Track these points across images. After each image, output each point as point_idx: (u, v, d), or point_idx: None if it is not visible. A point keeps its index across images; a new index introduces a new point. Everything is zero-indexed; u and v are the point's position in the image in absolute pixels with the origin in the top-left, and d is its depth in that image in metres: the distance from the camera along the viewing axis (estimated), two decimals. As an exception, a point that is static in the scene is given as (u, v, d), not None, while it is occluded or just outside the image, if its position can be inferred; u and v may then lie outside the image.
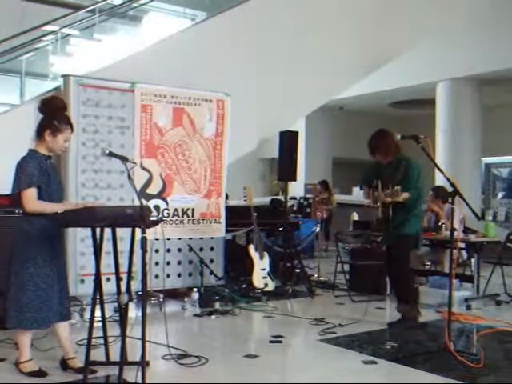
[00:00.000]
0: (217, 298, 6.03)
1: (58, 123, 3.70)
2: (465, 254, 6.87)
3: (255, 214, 6.83)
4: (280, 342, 4.71)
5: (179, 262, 6.08)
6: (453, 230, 4.39)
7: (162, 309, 5.69)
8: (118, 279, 3.82)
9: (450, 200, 4.38)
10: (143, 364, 3.32)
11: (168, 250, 5.82)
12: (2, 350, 4.23)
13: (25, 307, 3.64)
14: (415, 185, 5.14)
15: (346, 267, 7.20)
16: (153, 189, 5.86)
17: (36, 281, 3.64)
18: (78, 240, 5.33)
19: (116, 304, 4.38)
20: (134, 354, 3.64)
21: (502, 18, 10.32)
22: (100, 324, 3.90)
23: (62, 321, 3.81)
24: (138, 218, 3.43)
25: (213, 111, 6.22)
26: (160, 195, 5.91)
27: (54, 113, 3.72)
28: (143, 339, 3.33)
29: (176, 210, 6.00)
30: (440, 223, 6.83)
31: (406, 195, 5.02)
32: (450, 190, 4.31)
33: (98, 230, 3.70)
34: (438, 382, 3.74)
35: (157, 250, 5.48)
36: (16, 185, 3.65)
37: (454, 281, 4.95)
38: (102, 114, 5.54)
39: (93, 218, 3.48)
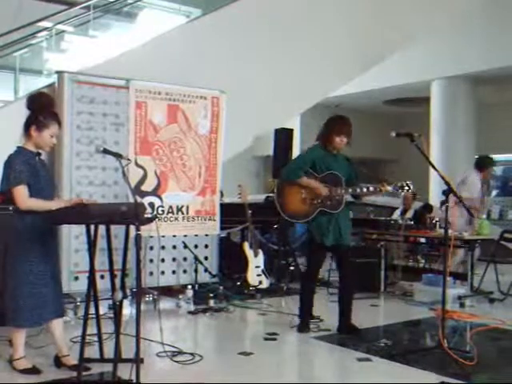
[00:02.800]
0: (211, 295, 6.04)
1: (44, 119, 3.69)
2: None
3: (250, 211, 6.84)
4: (274, 339, 4.72)
5: (174, 259, 6.08)
6: (447, 228, 4.40)
7: (157, 306, 5.69)
8: (113, 276, 3.82)
9: (446, 198, 4.37)
10: (137, 361, 3.32)
11: (162, 247, 5.82)
12: (-5, 347, 4.22)
13: (21, 305, 3.64)
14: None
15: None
16: (147, 186, 5.85)
17: (31, 278, 3.64)
18: (73, 237, 5.32)
19: (110, 301, 4.37)
20: (128, 352, 3.64)
21: (497, 17, 10.33)
22: (94, 321, 3.90)
23: (57, 318, 3.80)
24: (133, 215, 3.42)
25: (208, 108, 6.21)
26: (154, 192, 5.90)
27: (40, 109, 3.71)
28: (137, 336, 3.33)
29: (171, 207, 5.99)
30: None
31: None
32: (445, 187, 4.31)
33: (92, 227, 3.70)
34: (432, 379, 3.75)
35: (151, 247, 5.48)
36: (5, 182, 3.63)
37: (448, 278, 4.95)
38: (97, 111, 5.52)
39: (87, 215, 3.47)
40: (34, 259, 3.65)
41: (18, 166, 3.61)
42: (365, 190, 4.78)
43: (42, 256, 3.68)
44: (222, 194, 6.94)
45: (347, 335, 4.75)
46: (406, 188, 4.73)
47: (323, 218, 4.76)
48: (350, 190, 4.77)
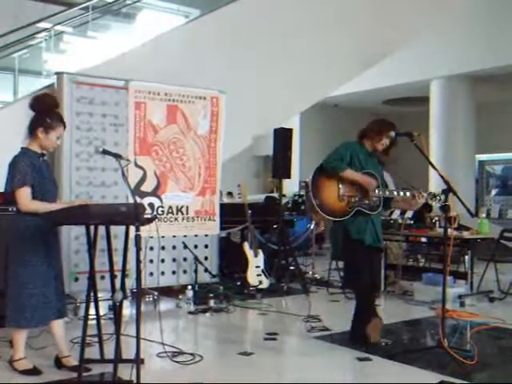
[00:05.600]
0: (211, 295, 6.04)
1: (51, 120, 3.69)
2: None
3: (249, 211, 6.84)
4: (274, 339, 4.71)
5: (174, 260, 6.08)
6: (446, 227, 4.40)
7: (157, 306, 5.69)
8: (113, 277, 3.82)
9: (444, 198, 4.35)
10: (138, 362, 3.32)
11: (162, 248, 5.83)
12: (-5, 348, 4.22)
13: (23, 306, 3.64)
14: None
15: (341, 264, 7.21)
16: (147, 186, 5.85)
17: (34, 279, 3.64)
18: (73, 238, 5.32)
19: (110, 302, 4.37)
20: (128, 352, 3.64)
21: (496, 16, 10.33)
22: (94, 322, 3.90)
23: (59, 318, 3.80)
24: (132, 216, 3.42)
25: (207, 108, 6.22)
26: (154, 193, 5.90)
27: (45, 110, 3.71)
28: (138, 337, 3.33)
29: (170, 207, 6.00)
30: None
31: None
32: (444, 187, 4.31)
33: (92, 227, 3.70)
34: (432, 379, 3.75)
35: (151, 248, 5.48)
36: (9, 183, 3.64)
37: (448, 278, 4.95)
38: (96, 112, 5.52)
39: (87, 215, 3.47)
40: (36, 260, 3.65)
41: (23, 167, 3.61)
42: (402, 194, 4.52)
43: (44, 257, 3.68)
44: (221, 194, 6.95)
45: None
46: (438, 198, 4.42)
47: (360, 217, 4.47)
48: (388, 193, 4.50)
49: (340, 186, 4.45)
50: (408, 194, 4.54)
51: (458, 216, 6.77)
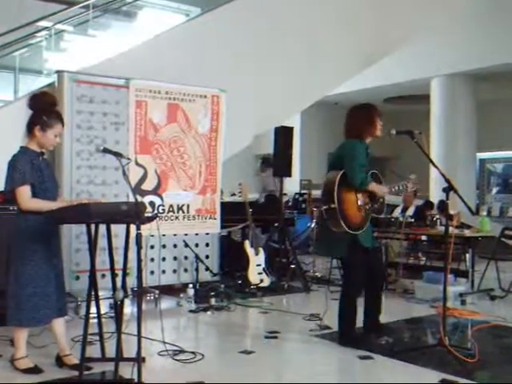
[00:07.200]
0: (212, 293, 6.04)
1: (48, 118, 3.68)
2: None
3: (250, 209, 6.84)
4: (275, 337, 4.72)
5: (174, 258, 6.09)
6: (447, 225, 4.39)
7: (158, 305, 5.69)
8: (114, 275, 3.82)
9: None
10: (139, 360, 3.32)
11: (163, 246, 5.83)
12: (-3, 346, 4.22)
13: (24, 305, 3.64)
14: None
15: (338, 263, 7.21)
16: (148, 185, 5.85)
17: (34, 278, 3.64)
18: (73, 236, 5.33)
19: (111, 300, 4.38)
20: (129, 351, 3.64)
21: (496, 14, 10.32)
22: (95, 320, 3.90)
23: (59, 317, 3.81)
24: (133, 215, 3.42)
25: (207, 107, 6.21)
26: (155, 191, 5.90)
27: (43, 108, 3.71)
28: (139, 335, 3.33)
29: (171, 206, 6.00)
30: None
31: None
32: (445, 185, 4.31)
33: (92, 226, 3.70)
34: (433, 377, 3.74)
35: (152, 246, 5.49)
36: (8, 183, 3.63)
37: (449, 276, 4.94)
38: (97, 110, 5.52)
39: (87, 214, 3.47)
40: (38, 259, 3.65)
41: (22, 166, 3.61)
42: (397, 188, 4.52)
43: (46, 256, 3.68)
44: (221, 193, 6.95)
45: (375, 334, 4.55)
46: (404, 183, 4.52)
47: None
48: (393, 190, 4.51)
49: (358, 195, 4.35)
50: (401, 187, 4.57)
51: (459, 214, 6.77)
